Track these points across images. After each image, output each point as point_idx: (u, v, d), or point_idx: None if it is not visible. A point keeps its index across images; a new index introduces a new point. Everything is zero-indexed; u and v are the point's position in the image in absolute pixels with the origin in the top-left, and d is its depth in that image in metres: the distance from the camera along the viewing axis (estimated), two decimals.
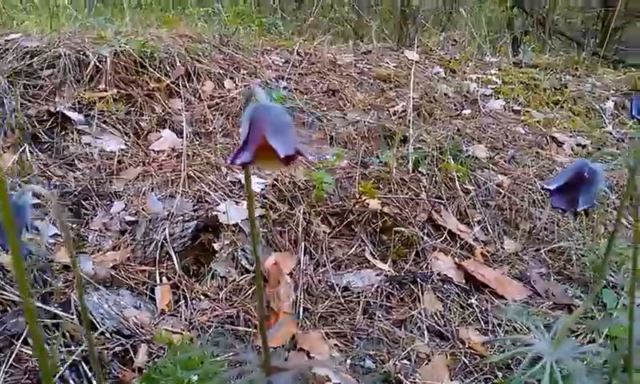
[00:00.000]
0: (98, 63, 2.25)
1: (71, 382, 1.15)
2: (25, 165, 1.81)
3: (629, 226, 1.95)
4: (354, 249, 1.74)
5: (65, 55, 2.24)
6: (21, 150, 1.85)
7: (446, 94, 2.89)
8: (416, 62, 3.28)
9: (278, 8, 4.93)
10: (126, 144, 2.06)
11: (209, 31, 2.98)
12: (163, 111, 2.27)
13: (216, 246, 1.60)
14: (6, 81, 2.07)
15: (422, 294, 1.60)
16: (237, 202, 1.77)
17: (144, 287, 1.48)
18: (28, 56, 2.25)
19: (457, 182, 2.07)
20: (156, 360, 1.23)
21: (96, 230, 1.66)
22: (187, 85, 2.42)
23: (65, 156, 1.95)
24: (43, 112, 2.05)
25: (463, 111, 2.74)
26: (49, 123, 2.03)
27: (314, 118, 2.41)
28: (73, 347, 1.22)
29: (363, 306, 1.53)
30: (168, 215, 1.68)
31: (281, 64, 2.92)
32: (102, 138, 2.05)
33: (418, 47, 3.66)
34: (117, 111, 2.16)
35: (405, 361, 1.38)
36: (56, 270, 1.42)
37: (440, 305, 1.58)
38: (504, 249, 1.89)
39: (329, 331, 1.44)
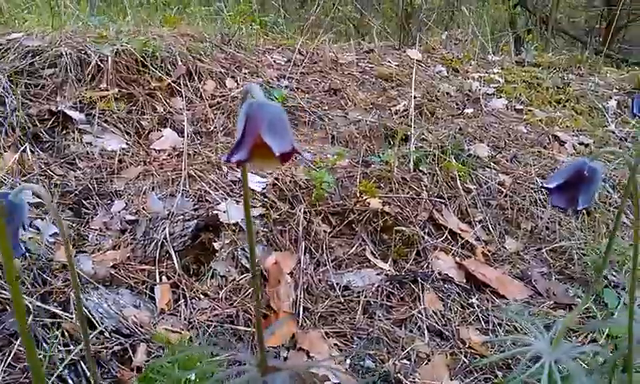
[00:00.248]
0: (99, 62, 2.25)
1: (69, 381, 1.16)
2: (26, 164, 1.82)
3: (631, 224, 1.94)
4: (354, 248, 1.73)
5: (66, 54, 2.24)
6: (22, 149, 1.85)
7: (448, 93, 2.88)
8: (418, 60, 3.27)
9: (281, 7, 4.92)
10: (127, 143, 2.06)
11: (210, 30, 2.97)
12: (164, 110, 2.26)
13: (216, 245, 1.60)
14: (8, 80, 2.07)
15: (423, 293, 1.59)
16: (237, 201, 1.77)
17: (144, 286, 1.48)
18: (29, 55, 2.25)
19: (458, 181, 2.06)
20: (155, 359, 1.23)
21: (96, 229, 1.66)
22: (188, 84, 2.42)
23: (66, 155, 1.95)
24: (44, 111, 2.05)
25: (465, 110, 2.73)
26: (50, 122, 2.03)
27: (315, 117, 2.41)
28: (72, 346, 1.22)
29: (363, 306, 1.53)
30: (168, 214, 1.68)
31: (282, 63, 2.91)
32: (103, 137, 2.05)
33: (420, 46, 3.65)
34: (118, 110, 2.16)
35: (405, 360, 1.38)
36: (55, 269, 1.42)
37: (440, 304, 1.58)
38: (505, 248, 1.89)
39: (329, 331, 1.44)
